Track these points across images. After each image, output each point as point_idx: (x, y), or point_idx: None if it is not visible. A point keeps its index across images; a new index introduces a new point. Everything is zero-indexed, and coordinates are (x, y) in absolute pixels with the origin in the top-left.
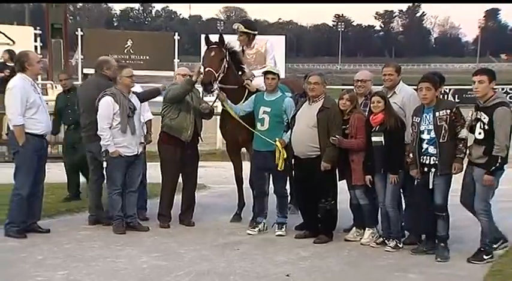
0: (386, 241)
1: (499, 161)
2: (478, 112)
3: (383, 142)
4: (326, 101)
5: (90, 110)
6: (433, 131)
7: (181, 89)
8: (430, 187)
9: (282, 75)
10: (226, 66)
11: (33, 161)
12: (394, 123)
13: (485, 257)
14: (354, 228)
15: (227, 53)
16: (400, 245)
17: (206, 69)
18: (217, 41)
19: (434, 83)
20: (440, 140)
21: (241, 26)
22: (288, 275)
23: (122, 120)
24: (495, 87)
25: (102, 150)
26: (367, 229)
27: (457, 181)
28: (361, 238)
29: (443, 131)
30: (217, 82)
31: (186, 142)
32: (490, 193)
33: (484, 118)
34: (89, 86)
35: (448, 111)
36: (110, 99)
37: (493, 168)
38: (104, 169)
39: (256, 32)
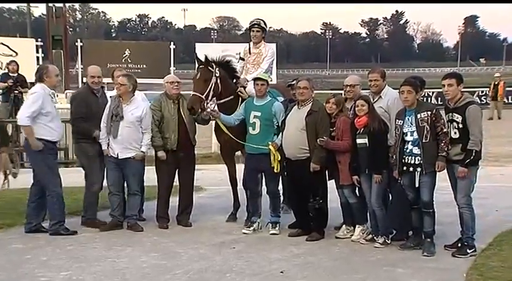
0: (375, 237)
1: (473, 154)
2: (450, 114)
3: (367, 144)
4: (314, 104)
5: None
6: (415, 132)
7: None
8: (417, 185)
9: (275, 81)
10: (217, 82)
11: (52, 162)
12: (378, 126)
13: (468, 251)
14: (344, 226)
15: (216, 69)
16: (388, 241)
17: (191, 95)
18: (203, 61)
19: (415, 86)
20: (423, 141)
21: (262, 22)
22: (282, 272)
23: (107, 123)
24: (463, 90)
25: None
26: (357, 226)
27: (441, 178)
28: (351, 235)
29: (425, 132)
30: (209, 100)
31: (172, 149)
32: (469, 187)
33: (457, 118)
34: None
35: (429, 113)
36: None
37: (468, 161)
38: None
39: (266, 32)
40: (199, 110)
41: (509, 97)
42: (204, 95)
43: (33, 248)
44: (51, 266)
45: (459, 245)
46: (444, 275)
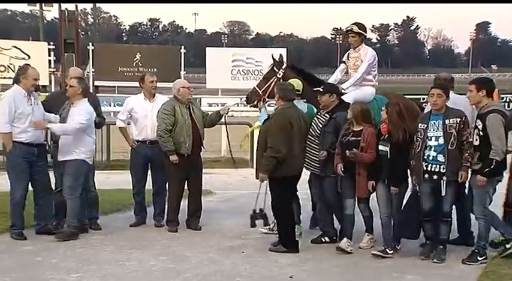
0: (387, 249)
1: (494, 164)
2: (477, 120)
3: (388, 152)
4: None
5: None
6: (441, 138)
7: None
8: (443, 194)
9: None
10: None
11: (22, 167)
12: (401, 136)
13: (479, 258)
14: (345, 238)
15: (280, 70)
16: (398, 247)
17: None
18: (273, 60)
19: (446, 90)
20: (449, 147)
21: (355, 27)
22: (291, 277)
23: None
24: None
25: None
26: (366, 234)
27: None
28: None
29: (452, 139)
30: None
31: (188, 153)
32: (484, 197)
33: (479, 124)
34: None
35: (458, 119)
36: None
37: (487, 170)
38: None
39: (366, 34)
40: (255, 101)
41: None
42: (261, 90)
43: (43, 250)
44: (61, 269)
45: (470, 252)
46: None
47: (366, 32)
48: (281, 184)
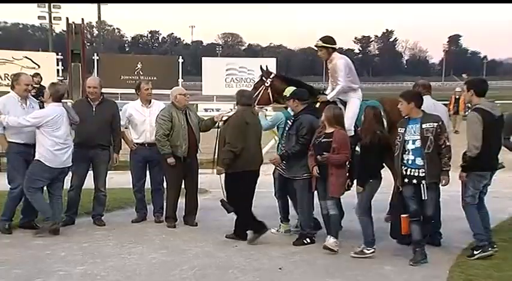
0: (365, 250)
1: (467, 159)
2: None
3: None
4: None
5: None
6: (418, 141)
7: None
8: (424, 198)
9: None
10: (267, 90)
11: (19, 162)
12: (371, 139)
13: (475, 252)
14: (332, 238)
15: (268, 80)
16: (374, 248)
17: None
18: (261, 71)
19: (406, 97)
20: (426, 151)
21: (319, 42)
22: (280, 269)
23: None
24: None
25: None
26: (332, 237)
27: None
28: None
29: (429, 142)
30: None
31: (184, 156)
32: (466, 191)
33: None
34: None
35: (435, 124)
36: None
37: (460, 164)
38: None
39: (334, 46)
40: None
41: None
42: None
43: (52, 245)
44: (68, 262)
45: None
46: (429, 271)
47: (333, 43)
48: (239, 180)
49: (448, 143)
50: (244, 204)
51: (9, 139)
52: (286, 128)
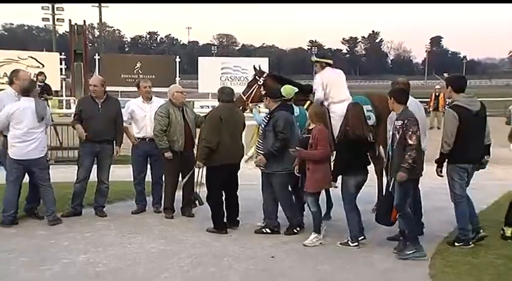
0: (349, 242)
1: (439, 154)
2: None
3: None
4: None
5: None
6: (391, 136)
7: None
8: (390, 189)
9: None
10: (260, 89)
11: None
12: (342, 136)
13: (456, 244)
14: (313, 234)
15: (261, 78)
16: (360, 241)
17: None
18: (254, 71)
19: (390, 94)
20: (393, 147)
21: (313, 57)
22: (272, 257)
23: None
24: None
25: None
26: (313, 233)
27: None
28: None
29: (396, 139)
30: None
31: (180, 150)
32: (450, 184)
33: None
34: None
35: (402, 122)
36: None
37: (437, 158)
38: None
39: (329, 61)
40: (240, 107)
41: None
42: (246, 96)
43: (55, 234)
44: (71, 250)
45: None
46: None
47: (326, 58)
48: (217, 173)
49: (410, 142)
50: (219, 198)
51: (5, 133)
52: (262, 126)
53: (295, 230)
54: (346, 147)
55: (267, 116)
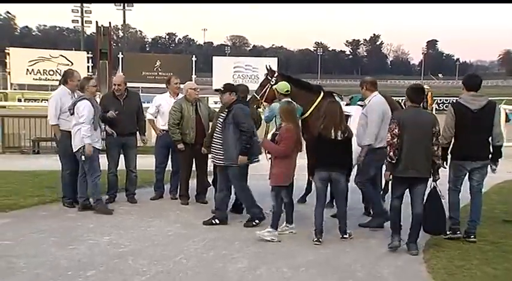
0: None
1: (440, 148)
2: None
3: None
4: None
5: None
6: None
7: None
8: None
9: None
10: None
11: (69, 149)
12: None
13: (447, 232)
14: (284, 223)
15: (273, 78)
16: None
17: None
18: (267, 71)
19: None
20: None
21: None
22: (279, 241)
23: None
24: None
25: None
26: (285, 223)
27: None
28: (290, 232)
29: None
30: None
31: (191, 142)
32: (448, 177)
33: None
34: None
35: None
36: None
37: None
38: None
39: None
40: (255, 105)
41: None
42: (259, 96)
43: (83, 217)
44: (96, 232)
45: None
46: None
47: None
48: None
49: (388, 139)
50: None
51: (61, 128)
52: (221, 119)
53: (253, 223)
54: (312, 144)
55: (224, 111)
